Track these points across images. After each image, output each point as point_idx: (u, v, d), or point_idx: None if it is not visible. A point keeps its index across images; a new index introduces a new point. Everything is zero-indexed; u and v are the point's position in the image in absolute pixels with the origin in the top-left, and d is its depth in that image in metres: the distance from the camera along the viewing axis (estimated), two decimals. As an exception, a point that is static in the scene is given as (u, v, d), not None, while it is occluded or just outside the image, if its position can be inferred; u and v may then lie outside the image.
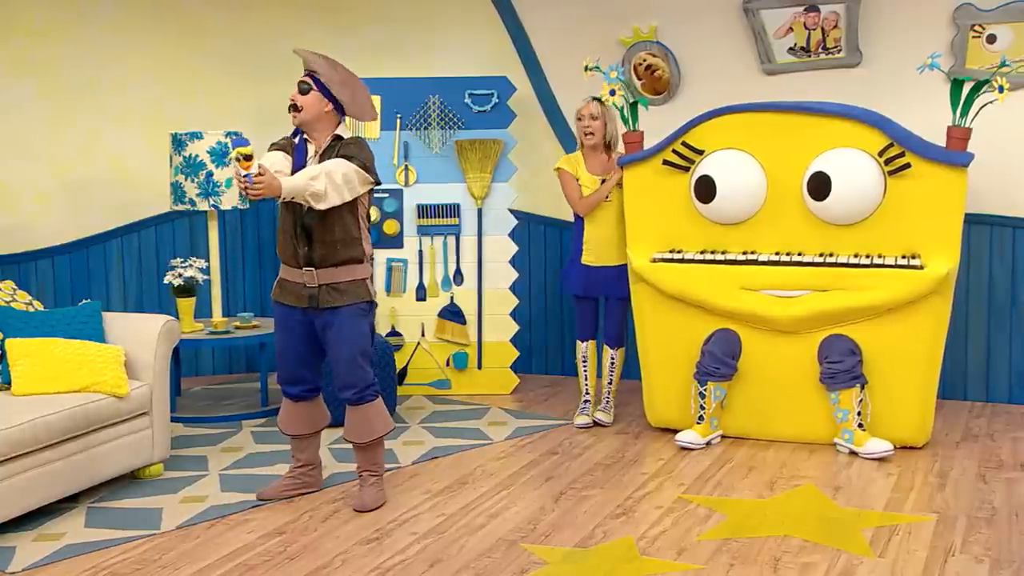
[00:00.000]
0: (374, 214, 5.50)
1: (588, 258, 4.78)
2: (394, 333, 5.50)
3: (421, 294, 5.52)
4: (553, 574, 3.21)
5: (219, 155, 5.16)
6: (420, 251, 5.52)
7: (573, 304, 4.94)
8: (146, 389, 4.11)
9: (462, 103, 5.47)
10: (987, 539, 3.41)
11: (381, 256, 5.51)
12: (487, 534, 3.54)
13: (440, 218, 5.50)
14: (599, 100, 4.70)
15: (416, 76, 5.58)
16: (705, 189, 4.46)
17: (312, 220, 3.66)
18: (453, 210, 5.49)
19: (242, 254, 6.09)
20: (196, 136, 5.16)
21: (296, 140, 3.77)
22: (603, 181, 4.73)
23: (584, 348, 4.91)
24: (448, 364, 5.51)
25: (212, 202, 5.17)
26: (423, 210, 5.49)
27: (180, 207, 5.23)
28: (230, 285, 5.98)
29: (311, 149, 3.78)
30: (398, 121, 5.50)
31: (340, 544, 3.49)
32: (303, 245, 3.69)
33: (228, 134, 5.23)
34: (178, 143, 5.20)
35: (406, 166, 5.51)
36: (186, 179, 5.16)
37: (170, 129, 5.35)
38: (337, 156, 3.66)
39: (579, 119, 4.75)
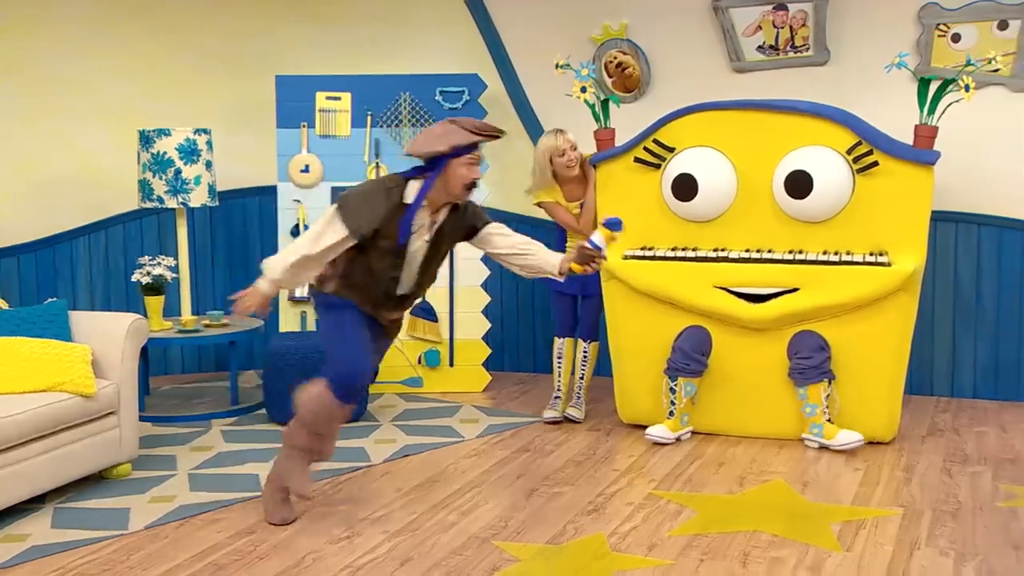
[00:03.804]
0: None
1: None
2: (365, 331, 5.48)
3: (393, 292, 5.50)
4: (524, 571, 3.21)
5: (187, 152, 5.13)
6: (391, 249, 5.50)
7: (551, 301, 4.95)
8: (113, 388, 4.06)
9: (433, 100, 5.46)
10: (952, 532, 3.45)
11: (352, 254, 5.49)
12: (458, 532, 3.54)
13: (412, 215, 5.48)
14: (563, 131, 4.69)
15: (387, 73, 5.57)
16: (686, 188, 4.47)
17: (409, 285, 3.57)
18: (425, 207, 5.48)
19: (211, 252, 6.04)
20: (164, 133, 5.11)
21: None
22: (582, 205, 4.75)
23: (560, 344, 4.91)
24: (420, 362, 5.50)
25: (181, 199, 5.13)
26: (394, 207, 5.47)
27: (148, 204, 5.18)
28: (199, 283, 5.94)
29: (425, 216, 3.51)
30: (369, 119, 5.48)
31: (311, 543, 3.47)
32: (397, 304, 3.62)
33: (197, 131, 5.19)
34: (146, 140, 5.15)
35: (377, 163, 5.49)
36: (154, 176, 5.12)
37: (140, 126, 5.30)
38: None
39: (560, 155, 4.66)
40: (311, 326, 5.46)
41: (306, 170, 5.48)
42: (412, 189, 3.43)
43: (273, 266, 3.45)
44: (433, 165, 3.41)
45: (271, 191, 5.68)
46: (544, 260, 3.57)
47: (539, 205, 4.81)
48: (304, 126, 5.48)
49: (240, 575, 3.23)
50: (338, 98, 5.49)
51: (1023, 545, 3.33)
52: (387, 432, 4.77)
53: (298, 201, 5.49)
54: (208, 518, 3.72)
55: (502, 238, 3.59)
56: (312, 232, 3.43)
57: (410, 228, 3.45)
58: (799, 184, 4.32)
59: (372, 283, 3.50)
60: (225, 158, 5.64)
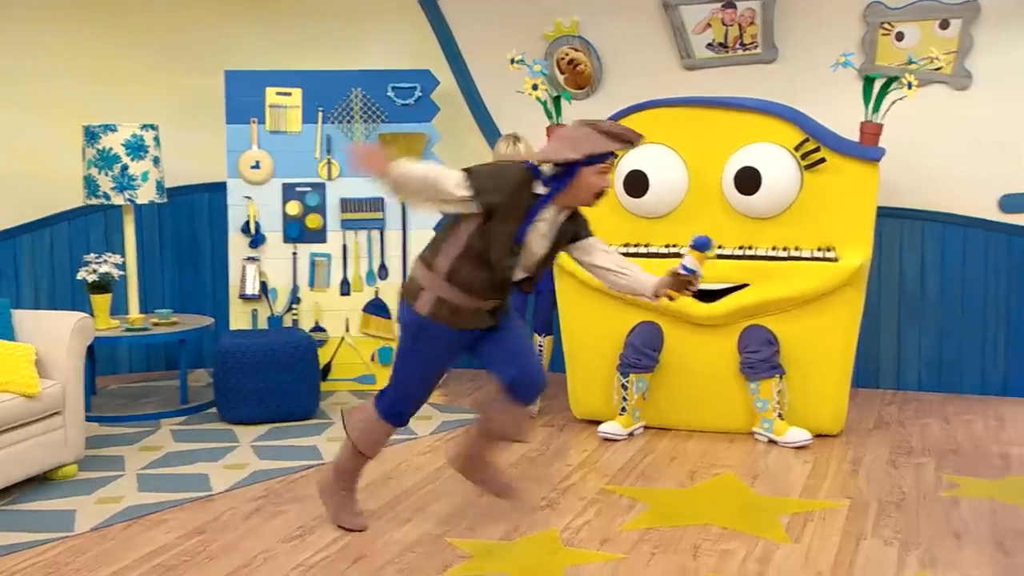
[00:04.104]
0: (296, 208, 5.45)
1: None
2: (318, 328, 5.45)
3: (345, 289, 5.48)
4: (477, 567, 3.21)
5: (134, 148, 5.05)
6: (344, 245, 5.47)
7: None
8: (58, 388, 3.99)
9: (385, 96, 5.44)
10: (896, 523, 3.51)
11: (304, 251, 5.46)
12: (412, 528, 3.53)
13: (364, 212, 5.46)
14: (518, 137, 4.66)
15: (338, 69, 5.53)
16: (638, 184, 4.51)
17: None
18: (377, 204, 5.46)
19: (160, 249, 5.96)
20: (110, 128, 5.03)
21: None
22: None
23: None
24: (373, 359, 5.48)
25: (128, 196, 5.06)
26: (347, 204, 5.45)
27: (94, 201, 5.10)
28: (148, 281, 5.84)
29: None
30: (320, 114, 5.44)
31: (262, 542, 3.44)
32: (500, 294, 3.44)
33: (144, 127, 5.11)
34: (91, 136, 5.06)
35: (329, 160, 5.46)
36: (100, 172, 5.04)
37: (86, 121, 5.21)
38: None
39: None
40: (262, 323, 5.41)
41: (256, 166, 5.43)
42: (538, 185, 3.30)
43: (405, 162, 3.25)
44: (566, 168, 3.27)
45: (221, 187, 5.61)
46: (638, 282, 3.41)
47: None
48: (254, 122, 5.43)
49: (189, 576, 3.20)
50: (289, 94, 5.44)
51: (964, 533, 3.41)
52: (340, 430, 4.72)
53: (248, 198, 5.43)
54: (156, 518, 3.67)
55: (604, 253, 3.47)
56: (442, 171, 3.24)
57: (535, 218, 3.28)
58: (748, 180, 4.37)
59: (483, 276, 3.31)
60: (174, 154, 5.56)
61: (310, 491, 3.92)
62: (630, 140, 3.32)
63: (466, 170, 3.27)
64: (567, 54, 5.50)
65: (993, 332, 5.13)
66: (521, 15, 5.56)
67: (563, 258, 4.61)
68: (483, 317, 3.41)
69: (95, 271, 5.04)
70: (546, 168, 3.31)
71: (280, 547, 3.40)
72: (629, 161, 4.54)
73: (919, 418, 4.82)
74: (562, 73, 5.52)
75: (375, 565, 3.24)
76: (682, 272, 3.29)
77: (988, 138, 4.99)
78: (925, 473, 4.03)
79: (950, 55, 4.80)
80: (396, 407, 3.46)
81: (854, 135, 4.44)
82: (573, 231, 3.46)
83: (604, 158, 3.27)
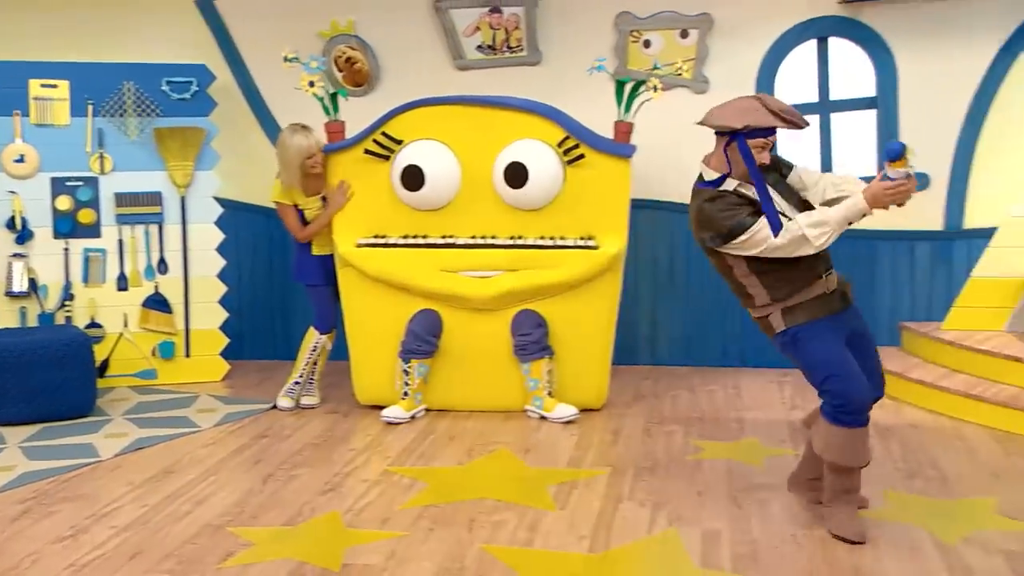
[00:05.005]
0: (67, 203, 5.28)
1: (318, 249, 4.88)
2: (94, 324, 5.32)
3: (123, 284, 5.37)
4: (260, 554, 3.27)
5: None
6: (120, 240, 5.36)
7: (309, 295, 4.96)
8: None
9: (159, 90, 5.35)
10: (649, 486, 3.86)
11: (77, 246, 5.31)
12: (192, 521, 3.55)
13: (140, 206, 5.37)
14: (309, 129, 4.74)
15: (109, 61, 5.38)
16: (414, 178, 4.68)
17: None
18: (154, 198, 5.38)
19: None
20: None
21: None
22: (323, 199, 4.81)
23: (320, 340, 4.93)
24: (154, 353, 5.41)
25: None
26: (122, 198, 5.34)
27: None
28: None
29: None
30: (90, 108, 5.29)
31: (30, 544, 3.37)
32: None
33: None
34: None
35: (101, 154, 5.32)
36: None
37: None
38: None
39: (309, 157, 4.70)
40: (32, 321, 5.22)
41: (21, 160, 5.22)
42: (732, 185, 3.34)
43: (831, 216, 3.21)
44: (728, 140, 3.29)
45: (-18, 182, 5.35)
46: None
47: (275, 203, 4.85)
48: (17, 114, 5.21)
49: (-46, 583, 3.12)
50: (55, 86, 5.26)
51: (705, 491, 3.80)
52: (118, 426, 4.67)
53: (13, 192, 5.22)
54: (-84, 528, 3.53)
55: (808, 175, 3.44)
56: (763, 248, 3.24)
57: (773, 206, 3.26)
58: (516, 174, 4.65)
59: (793, 261, 3.28)
60: (-73, 147, 5.24)
61: (85, 490, 3.87)
62: (796, 122, 3.28)
63: (732, 232, 3.28)
64: (344, 52, 5.61)
65: (733, 309, 5.63)
66: (297, 13, 5.60)
67: (344, 250, 4.77)
68: (834, 297, 3.36)
69: None
70: (705, 174, 3.43)
71: (50, 548, 3.34)
72: (406, 156, 4.71)
73: (671, 390, 5.27)
74: (340, 71, 5.62)
75: (153, 559, 3.25)
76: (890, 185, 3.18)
77: (725, 137, 5.48)
78: (674, 439, 4.44)
79: (690, 62, 5.27)
80: (847, 403, 3.26)
81: (609, 133, 4.81)
82: (777, 173, 3.45)
83: (767, 133, 3.27)
